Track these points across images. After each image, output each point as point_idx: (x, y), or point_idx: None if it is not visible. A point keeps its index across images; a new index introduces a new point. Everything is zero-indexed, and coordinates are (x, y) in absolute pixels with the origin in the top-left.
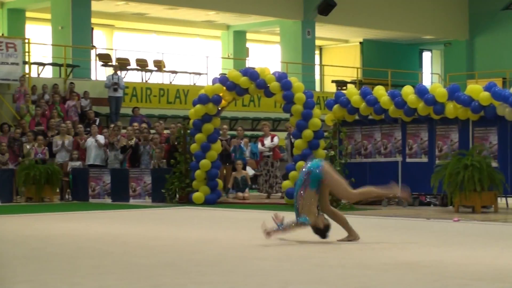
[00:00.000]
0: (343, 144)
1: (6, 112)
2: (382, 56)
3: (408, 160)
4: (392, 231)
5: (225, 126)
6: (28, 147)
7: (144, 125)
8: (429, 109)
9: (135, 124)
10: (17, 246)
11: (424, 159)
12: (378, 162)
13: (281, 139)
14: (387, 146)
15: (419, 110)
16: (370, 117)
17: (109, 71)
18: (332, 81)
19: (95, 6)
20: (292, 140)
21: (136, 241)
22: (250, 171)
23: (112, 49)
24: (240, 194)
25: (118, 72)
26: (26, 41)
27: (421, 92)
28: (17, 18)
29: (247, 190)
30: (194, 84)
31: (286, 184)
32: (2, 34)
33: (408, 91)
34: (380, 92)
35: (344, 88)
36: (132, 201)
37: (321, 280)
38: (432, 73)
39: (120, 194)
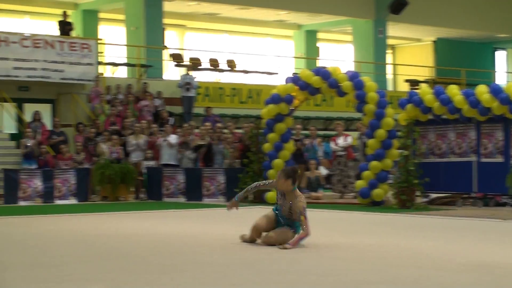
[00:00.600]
0: (417, 144)
1: (81, 112)
2: (456, 55)
3: (483, 160)
4: (467, 231)
5: (298, 126)
6: (103, 146)
7: (218, 124)
8: (504, 108)
9: (208, 123)
10: (92, 245)
11: (500, 159)
12: (452, 162)
13: (354, 138)
14: (461, 145)
15: (494, 109)
16: (443, 116)
17: (182, 71)
18: (405, 81)
19: (167, 7)
20: (365, 140)
21: (210, 240)
22: (323, 171)
23: (184, 49)
24: (313, 194)
25: (191, 72)
26: (100, 41)
27: (496, 91)
28: (91, 19)
29: (320, 190)
30: (267, 83)
31: (360, 184)
32: (77, 35)
33: (482, 90)
34: (454, 91)
35: (417, 87)
36: (205, 200)
37: (395, 280)
38: (507, 72)
39: (194, 193)
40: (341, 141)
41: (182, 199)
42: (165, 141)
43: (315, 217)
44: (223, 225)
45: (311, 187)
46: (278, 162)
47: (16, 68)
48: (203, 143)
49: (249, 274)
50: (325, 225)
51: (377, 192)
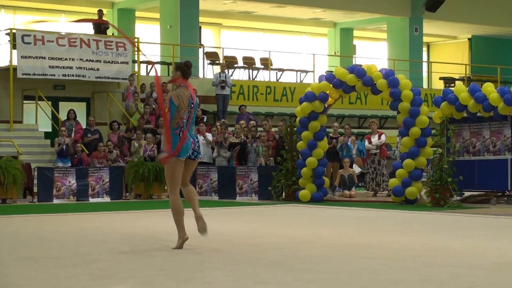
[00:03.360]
0: (451, 142)
1: (116, 110)
2: (491, 52)
3: None
4: (501, 230)
5: (336, 124)
6: (136, 144)
7: (252, 122)
8: None
9: (242, 121)
10: (125, 242)
11: None
12: (486, 160)
13: (388, 136)
14: (496, 143)
15: None
16: (478, 114)
17: (217, 69)
18: (440, 78)
19: (203, 5)
20: None
21: (242, 238)
22: (356, 169)
23: (219, 48)
24: (346, 192)
25: (225, 70)
26: (135, 40)
27: None
28: (127, 17)
29: (353, 188)
30: (301, 81)
31: (393, 182)
32: (113, 34)
33: None
34: (489, 89)
35: (452, 85)
36: (238, 199)
37: (428, 279)
38: None
39: (226, 192)
40: (375, 139)
41: (215, 198)
42: (203, 140)
43: (348, 215)
44: (256, 223)
45: (344, 185)
46: (311, 160)
47: (52, 66)
48: (237, 141)
49: (279, 273)
50: (357, 223)
51: (411, 190)
